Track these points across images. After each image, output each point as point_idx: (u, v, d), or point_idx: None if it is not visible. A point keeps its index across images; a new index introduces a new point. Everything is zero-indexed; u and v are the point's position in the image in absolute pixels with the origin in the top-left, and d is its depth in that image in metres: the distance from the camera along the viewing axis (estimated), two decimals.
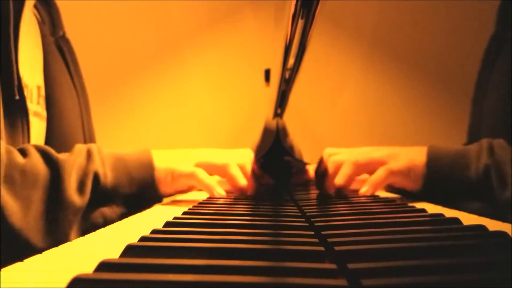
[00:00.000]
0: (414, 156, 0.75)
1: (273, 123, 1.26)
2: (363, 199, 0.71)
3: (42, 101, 0.84)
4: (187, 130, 1.70)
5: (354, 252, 0.33)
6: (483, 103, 0.95)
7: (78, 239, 0.46)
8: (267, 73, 1.46)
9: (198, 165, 0.77)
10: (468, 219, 0.49)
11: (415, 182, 0.74)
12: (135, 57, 1.71)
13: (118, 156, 0.71)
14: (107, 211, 0.68)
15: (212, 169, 0.78)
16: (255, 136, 1.41)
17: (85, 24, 1.65)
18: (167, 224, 0.48)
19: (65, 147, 0.77)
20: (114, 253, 0.35)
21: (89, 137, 0.96)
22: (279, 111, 1.26)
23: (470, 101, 1.04)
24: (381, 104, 1.67)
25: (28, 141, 0.76)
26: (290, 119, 1.32)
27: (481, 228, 0.42)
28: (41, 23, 0.90)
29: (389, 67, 1.69)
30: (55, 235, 0.59)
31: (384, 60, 1.69)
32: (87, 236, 0.48)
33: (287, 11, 0.72)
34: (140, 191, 0.71)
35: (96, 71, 1.68)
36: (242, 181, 0.77)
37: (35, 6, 0.89)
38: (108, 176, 0.67)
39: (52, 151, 0.62)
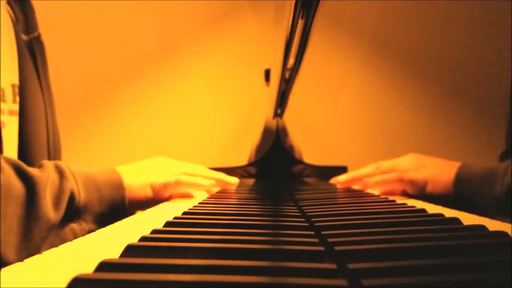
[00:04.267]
0: (442, 172, 0.79)
1: (273, 123, 1.26)
2: (363, 199, 0.71)
3: (18, 99, 0.85)
4: (187, 131, 1.70)
5: (354, 252, 0.33)
6: None
7: (78, 239, 0.46)
8: (267, 73, 1.46)
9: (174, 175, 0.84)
10: (468, 219, 0.50)
11: (436, 192, 0.78)
12: (134, 57, 1.71)
13: (88, 175, 0.72)
14: (76, 227, 0.68)
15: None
16: (255, 136, 1.41)
17: (83, 24, 1.65)
18: (167, 224, 0.48)
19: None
20: (114, 253, 0.35)
21: (53, 142, 0.94)
22: (279, 111, 1.26)
23: (468, 100, 1.02)
24: (381, 104, 1.67)
25: (0, 140, 0.76)
26: (290, 119, 1.32)
27: (481, 228, 0.42)
28: (14, 22, 0.88)
29: (389, 67, 1.69)
30: (27, 250, 0.59)
31: (384, 60, 1.69)
32: (87, 236, 0.48)
33: (287, 11, 0.72)
34: (109, 209, 0.73)
35: (95, 71, 1.68)
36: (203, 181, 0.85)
37: (8, 3, 0.87)
38: (81, 194, 0.68)
39: (24, 166, 0.61)
